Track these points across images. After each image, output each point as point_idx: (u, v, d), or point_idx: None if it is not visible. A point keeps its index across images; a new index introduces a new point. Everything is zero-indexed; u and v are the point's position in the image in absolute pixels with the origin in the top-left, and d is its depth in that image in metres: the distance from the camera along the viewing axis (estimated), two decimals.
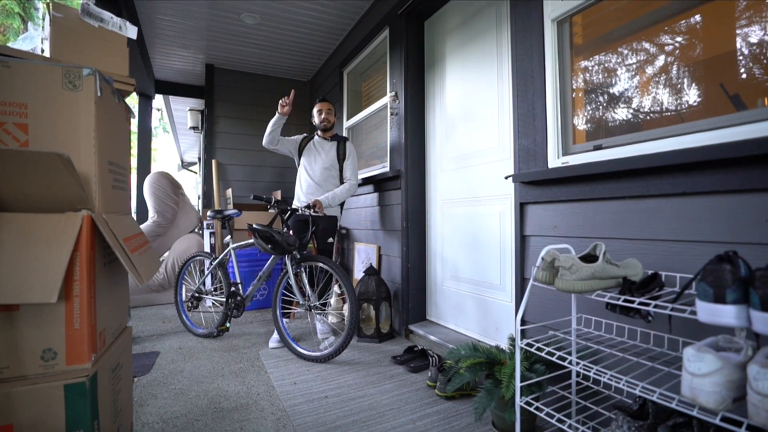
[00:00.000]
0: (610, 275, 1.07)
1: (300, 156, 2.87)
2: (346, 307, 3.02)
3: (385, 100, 2.95)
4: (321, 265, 2.30)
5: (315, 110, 2.82)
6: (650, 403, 1.00)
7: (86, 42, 1.18)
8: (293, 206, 2.67)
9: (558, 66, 1.61)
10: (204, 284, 2.83)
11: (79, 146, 0.98)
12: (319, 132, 2.86)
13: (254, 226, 2.28)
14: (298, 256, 2.35)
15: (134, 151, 5.20)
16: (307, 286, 2.35)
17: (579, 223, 1.48)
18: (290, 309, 2.86)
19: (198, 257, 2.86)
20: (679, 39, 1.31)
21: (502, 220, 2.07)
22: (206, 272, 2.81)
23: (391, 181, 2.83)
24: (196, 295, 2.78)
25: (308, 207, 2.52)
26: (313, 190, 2.77)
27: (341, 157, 2.79)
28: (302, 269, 2.38)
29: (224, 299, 2.60)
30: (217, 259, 2.69)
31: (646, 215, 1.26)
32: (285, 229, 2.53)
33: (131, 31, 1.27)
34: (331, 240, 2.79)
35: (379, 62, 3.27)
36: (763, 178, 0.99)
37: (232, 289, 2.60)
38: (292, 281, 2.34)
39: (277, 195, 4.43)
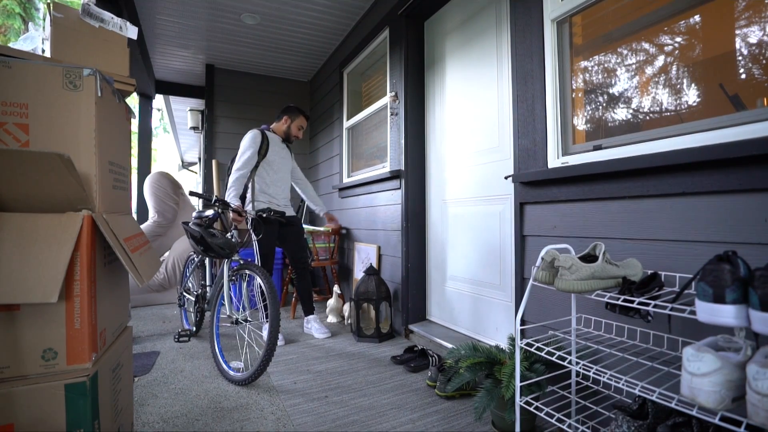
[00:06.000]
0: (609, 275, 1.07)
1: (263, 157, 2.63)
2: (346, 307, 3.02)
3: (385, 100, 2.95)
4: (248, 272, 2.10)
5: (298, 124, 2.73)
6: (650, 403, 1.01)
7: (87, 42, 1.18)
8: (266, 207, 2.56)
9: (558, 66, 1.61)
10: (189, 283, 2.84)
11: (79, 146, 0.98)
12: (274, 133, 2.74)
13: (190, 224, 2.05)
14: (234, 264, 2.16)
15: (134, 151, 5.20)
16: (245, 296, 2.16)
17: (579, 223, 1.48)
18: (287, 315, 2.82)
19: (191, 256, 2.87)
20: (678, 39, 1.31)
21: (502, 220, 2.07)
22: (190, 271, 2.78)
23: (391, 180, 2.83)
24: (183, 293, 2.80)
25: (338, 229, 2.49)
26: (287, 191, 2.84)
27: (292, 158, 2.90)
28: (239, 277, 2.19)
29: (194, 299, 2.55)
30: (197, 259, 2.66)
31: (646, 215, 1.27)
32: (253, 229, 2.43)
33: (131, 32, 1.27)
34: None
35: (379, 62, 3.27)
36: (763, 178, 0.99)
37: (200, 291, 2.57)
38: (225, 291, 2.10)
39: None
